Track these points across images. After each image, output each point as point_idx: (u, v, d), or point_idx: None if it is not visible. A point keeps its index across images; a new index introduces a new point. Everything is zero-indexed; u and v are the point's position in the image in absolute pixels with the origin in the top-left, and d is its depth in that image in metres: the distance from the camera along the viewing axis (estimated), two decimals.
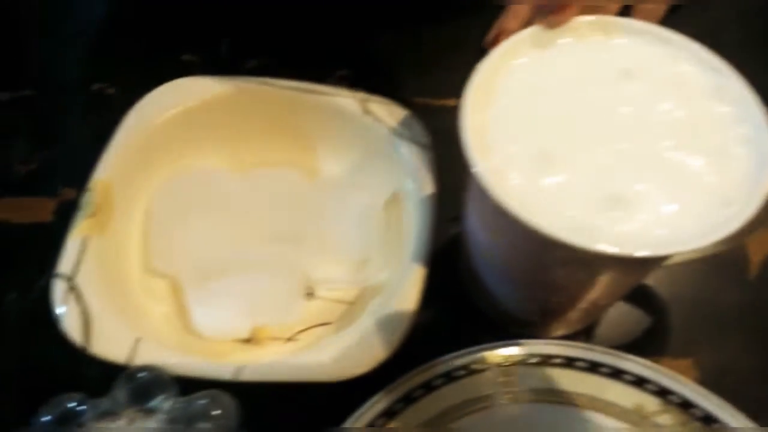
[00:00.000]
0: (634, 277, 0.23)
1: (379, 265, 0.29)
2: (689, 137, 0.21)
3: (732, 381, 0.29)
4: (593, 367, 0.25)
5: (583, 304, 0.25)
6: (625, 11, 0.38)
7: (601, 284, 0.23)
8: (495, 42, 0.37)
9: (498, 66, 0.23)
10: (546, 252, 0.21)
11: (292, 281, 0.29)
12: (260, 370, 0.23)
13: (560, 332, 0.29)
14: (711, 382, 0.28)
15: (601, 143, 0.21)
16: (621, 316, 0.30)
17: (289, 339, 0.28)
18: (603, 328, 0.30)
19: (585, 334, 0.30)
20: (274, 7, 0.41)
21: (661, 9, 0.38)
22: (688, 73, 0.23)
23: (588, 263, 0.21)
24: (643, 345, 0.30)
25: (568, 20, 0.23)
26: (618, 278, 0.23)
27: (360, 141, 0.30)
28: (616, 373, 0.25)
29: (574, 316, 0.28)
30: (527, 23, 0.39)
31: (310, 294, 0.30)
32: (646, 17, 0.37)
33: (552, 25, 0.23)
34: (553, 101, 0.22)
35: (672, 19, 0.40)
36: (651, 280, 0.31)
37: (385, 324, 0.24)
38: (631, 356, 0.25)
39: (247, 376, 0.23)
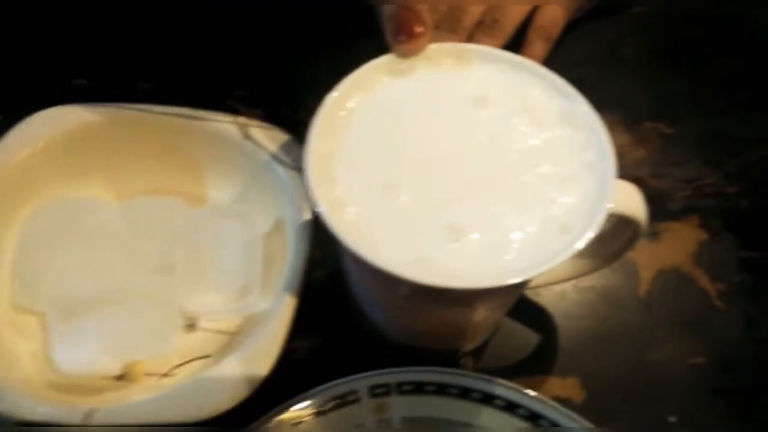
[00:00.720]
0: (491, 303, 0.23)
1: (260, 293, 0.28)
2: (537, 163, 0.21)
3: (618, 400, 0.29)
4: (465, 393, 0.25)
5: (456, 328, 0.25)
6: (521, 34, 0.38)
7: (461, 311, 0.23)
8: None
9: (350, 94, 0.22)
10: (392, 284, 0.20)
11: (169, 313, 0.28)
12: (114, 414, 0.22)
13: (447, 353, 0.29)
14: (597, 401, 0.29)
15: (448, 172, 0.21)
16: (511, 335, 0.30)
17: (165, 374, 0.27)
18: (493, 348, 0.30)
19: (474, 354, 0.30)
20: (171, 28, 0.40)
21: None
22: (540, 99, 0.23)
23: (435, 294, 0.20)
24: (532, 364, 0.30)
25: (421, 49, 0.23)
26: (474, 305, 0.22)
27: (243, 167, 0.30)
28: (488, 399, 0.25)
29: (456, 339, 0.27)
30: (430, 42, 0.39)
31: (191, 326, 0.29)
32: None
33: (405, 54, 0.23)
34: (404, 129, 0.22)
35: (572, 35, 0.40)
36: (542, 299, 0.31)
37: (252, 359, 0.24)
38: (502, 381, 0.25)
39: (100, 419, 0.22)
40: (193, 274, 0.29)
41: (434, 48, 0.23)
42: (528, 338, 0.30)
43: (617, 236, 0.25)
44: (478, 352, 0.30)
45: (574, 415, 0.24)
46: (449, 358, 0.29)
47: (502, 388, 0.25)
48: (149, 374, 0.27)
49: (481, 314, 0.24)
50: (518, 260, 0.19)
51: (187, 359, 0.28)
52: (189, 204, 0.30)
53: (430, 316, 0.24)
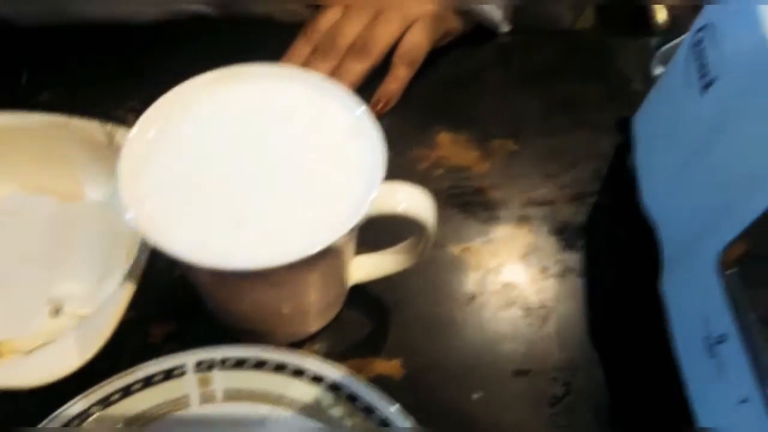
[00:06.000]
0: (283, 287, 0.27)
1: (119, 280, 0.32)
2: (321, 168, 0.25)
3: (432, 379, 0.33)
4: (280, 367, 0.29)
5: (273, 313, 0.29)
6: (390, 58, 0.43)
7: (261, 295, 0.27)
8: None
9: (171, 106, 0.26)
10: (194, 270, 0.24)
11: (35, 298, 0.32)
12: None
13: (287, 338, 0.33)
14: (414, 379, 0.33)
15: (244, 173, 0.25)
16: (347, 322, 0.34)
17: (29, 353, 0.31)
18: (330, 334, 0.34)
19: (313, 339, 0.34)
20: (71, 42, 0.44)
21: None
22: (336, 114, 0.27)
23: (225, 277, 0.24)
24: (363, 348, 0.34)
25: None
26: (265, 287, 0.26)
27: (113, 169, 0.34)
28: (298, 372, 0.28)
29: (285, 325, 0.31)
30: (306, 64, 0.44)
31: (57, 311, 0.33)
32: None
33: None
34: (214, 138, 0.26)
35: (441, 60, 0.45)
36: (378, 291, 0.35)
37: (86, 336, 0.27)
38: (311, 356, 0.29)
39: None
40: (57, 263, 0.32)
41: (253, 68, 0.27)
42: (363, 324, 0.35)
43: (418, 235, 0.30)
44: (316, 338, 0.34)
45: (364, 383, 0.28)
46: (291, 343, 0.33)
47: (310, 363, 0.29)
48: (15, 352, 0.31)
49: (286, 298, 0.28)
50: (288, 250, 0.23)
51: (50, 340, 0.31)
52: (63, 200, 0.34)
53: (245, 299, 0.28)
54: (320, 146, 0.26)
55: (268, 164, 0.25)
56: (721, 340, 0.28)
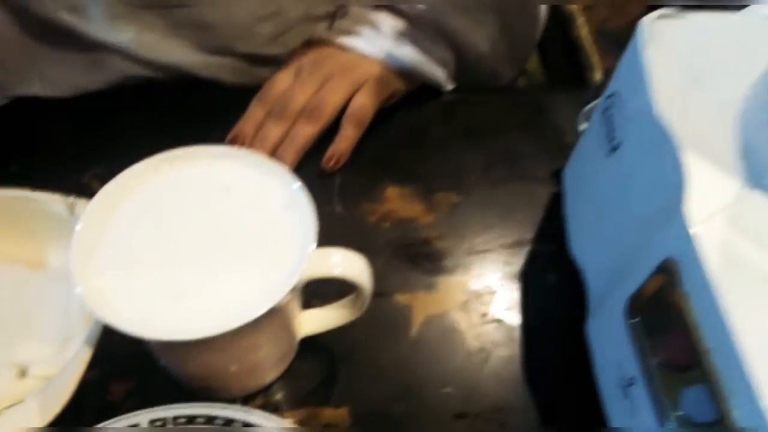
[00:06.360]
0: (226, 352, 0.29)
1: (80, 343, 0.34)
2: (258, 240, 0.28)
3: (379, 425, 0.35)
4: (229, 423, 0.31)
5: (222, 372, 0.31)
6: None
7: (207, 358, 0.29)
8: (233, 142, 0.45)
9: (122, 186, 0.29)
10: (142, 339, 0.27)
11: (1, 361, 0.34)
12: None
13: (240, 391, 0.35)
14: (361, 425, 0.35)
15: (185, 248, 0.28)
16: (298, 373, 0.36)
17: None
18: (281, 385, 0.36)
19: (265, 391, 0.36)
20: (39, 114, 0.47)
21: (367, 113, 0.46)
22: (272, 188, 0.30)
23: (170, 345, 0.27)
24: (312, 397, 0.36)
25: None
26: (209, 352, 0.29)
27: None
28: (247, 426, 0.31)
29: (237, 381, 0.34)
30: (260, 127, 0.47)
31: (23, 373, 0.35)
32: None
33: None
34: (160, 214, 0.29)
35: (389, 119, 0.48)
36: (330, 338, 0.38)
37: (47, 399, 0.29)
38: (257, 411, 0.31)
39: None
40: (23, 327, 0.34)
41: (198, 149, 0.30)
42: (313, 374, 0.37)
43: (357, 293, 0.32)
44: (269, 389, 0.36)
45: None
46: (245, 395, 0.35)
47: (257, 417, 0.31)
48: None
49: (233, 359, 0.30)
50: (228, 317, 0.26)
51: (15, 403, 0.33)
52: (28, 268, 0.36)
53: (192, 362, 0.30)
54: (258, 219, 0.29)
55: (211, 238, 0.28)
56: (631, 382, 0.30)
